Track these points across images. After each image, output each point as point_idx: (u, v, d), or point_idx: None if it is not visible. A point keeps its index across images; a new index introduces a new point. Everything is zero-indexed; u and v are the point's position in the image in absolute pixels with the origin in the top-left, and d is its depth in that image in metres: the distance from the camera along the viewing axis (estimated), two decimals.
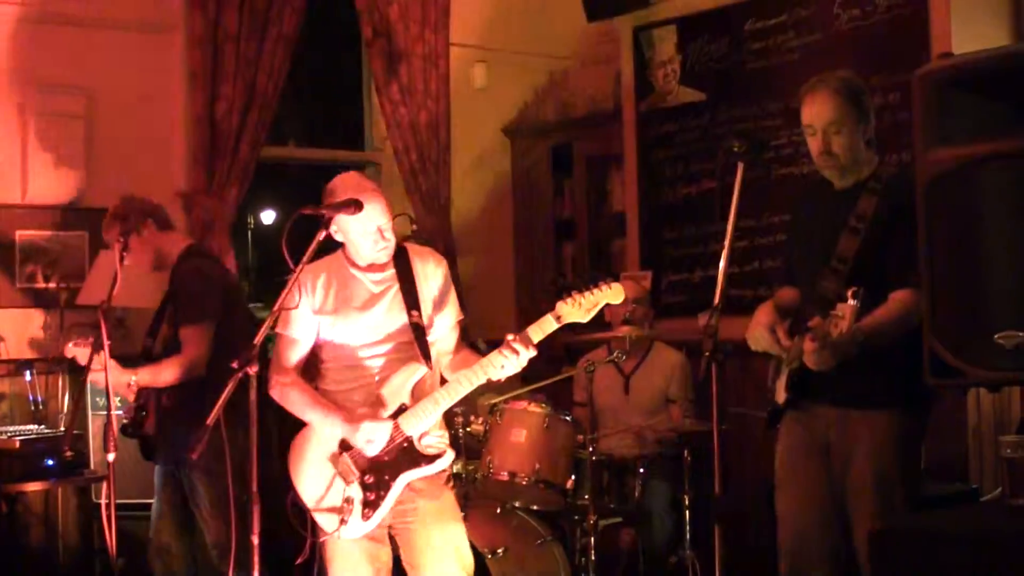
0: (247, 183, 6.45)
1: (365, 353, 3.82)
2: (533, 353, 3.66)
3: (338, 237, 3.82)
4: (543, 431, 4.89)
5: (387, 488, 3.72)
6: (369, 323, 3.81)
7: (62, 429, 5.48)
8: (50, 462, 5.15)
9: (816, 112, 3.77)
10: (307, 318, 3.84)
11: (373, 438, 3.71)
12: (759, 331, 3.84)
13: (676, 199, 6.53)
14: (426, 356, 3.78)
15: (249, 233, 7.21)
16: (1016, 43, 5.22)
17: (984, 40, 5.06)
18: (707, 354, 3.68)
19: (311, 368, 3.96)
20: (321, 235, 3.69)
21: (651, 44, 6.66)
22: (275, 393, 3.86)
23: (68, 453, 5.19)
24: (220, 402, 3.48)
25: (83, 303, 5.73)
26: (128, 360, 4.70)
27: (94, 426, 5.61)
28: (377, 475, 3.73)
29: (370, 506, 3.72)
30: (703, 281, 6.32)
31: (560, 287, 3.46)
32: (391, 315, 3.81)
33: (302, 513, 3.82)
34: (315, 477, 3.80)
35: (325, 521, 3.77)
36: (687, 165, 6.47)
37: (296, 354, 3.88)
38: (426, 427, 3.78)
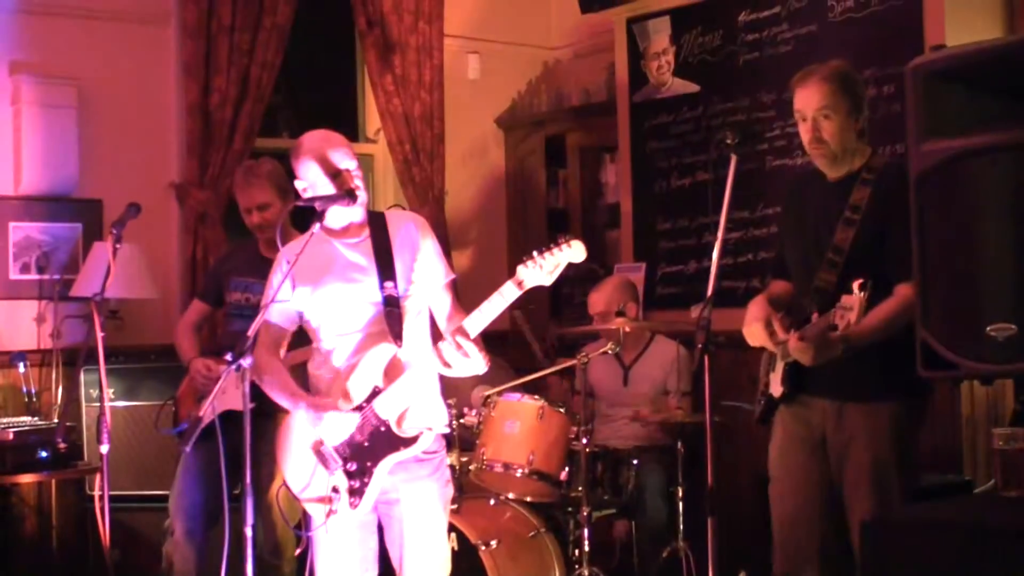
0: None
1: (340, 330, 3.72)
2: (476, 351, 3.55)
3: (308, 194, 3.73)
4: (537, 423, 4.89)
5: (369, 474, 3.63)
6: (343, 295, 3.70)
7: (55, 421, 5.48)
8: (44, 454, 5.15)
9: (806, 97, 3.76)
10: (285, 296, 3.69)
11: (336, 429, 3.63)
12: (755, 326, 3.80)
13: (670, 191, 6.52)
14: (397, 333, 3.66)
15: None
16: (1008, 35, 5.22)
17: (977, 32, 5.07)
18: (700, 346, 3.69)
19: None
20: (315, 227, 3.64)
21: (645, 35, 6.65)
22: (253, 377, 3.69)
23: (62, 445, 5.19)
24: (212, 395, 3.48)
25: (77, 295, 5.73)
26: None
27: (88, 418, 5.61)
28: (359, 461, 3.65)
29: (355, 494, 3.65)
30: (697, 273, 6.30)
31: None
32: (364, 287, 3.70)
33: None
34: (300, 466, 3.73)
35: (314, 511, 3.71)
36: (681, 157, 6.46)
37: (272, 335, 3.77)
38: (402, 408, 3.66)
